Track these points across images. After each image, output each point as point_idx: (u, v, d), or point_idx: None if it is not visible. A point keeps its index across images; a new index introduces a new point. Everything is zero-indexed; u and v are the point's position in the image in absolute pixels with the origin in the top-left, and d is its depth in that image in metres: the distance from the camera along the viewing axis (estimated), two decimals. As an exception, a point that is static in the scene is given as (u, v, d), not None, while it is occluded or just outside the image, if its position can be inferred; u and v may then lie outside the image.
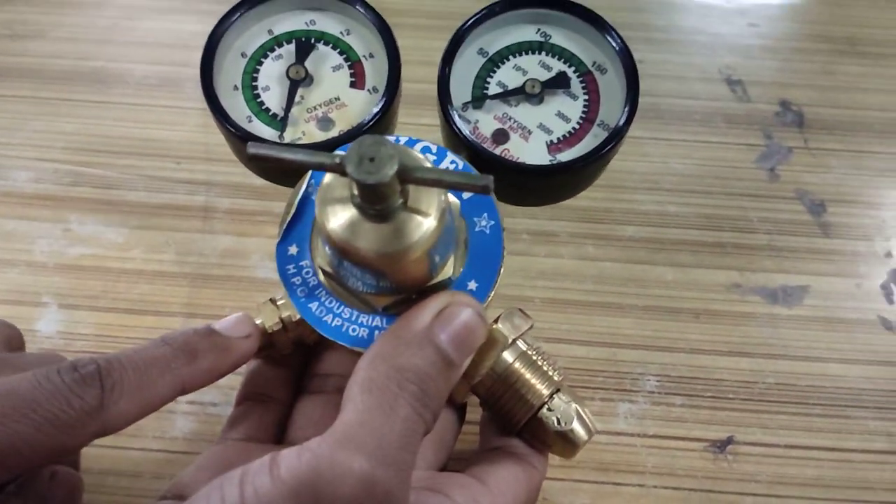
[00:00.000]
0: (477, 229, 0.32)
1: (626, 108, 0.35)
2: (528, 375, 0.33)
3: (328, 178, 0.28)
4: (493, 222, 0.32)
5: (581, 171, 0.35)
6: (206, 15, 0.65)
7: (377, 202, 0.27)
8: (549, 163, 0.35)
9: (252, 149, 0.26)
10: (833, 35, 0.64)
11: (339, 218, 0.27)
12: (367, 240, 0.27)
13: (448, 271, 0.31)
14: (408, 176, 0.26)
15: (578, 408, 0.34)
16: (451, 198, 0.32)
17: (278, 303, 0.35)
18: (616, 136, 0.35)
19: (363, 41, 0.37)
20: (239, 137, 0.35)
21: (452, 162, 0.33)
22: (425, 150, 0.33)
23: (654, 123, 0.57)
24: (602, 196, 0.53)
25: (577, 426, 0.33)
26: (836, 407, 0.44)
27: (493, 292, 0.31)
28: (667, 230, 0.51)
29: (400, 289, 0.30)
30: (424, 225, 0.27)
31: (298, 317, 0.32)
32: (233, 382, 0.44)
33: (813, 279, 0.49)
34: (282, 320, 0.35)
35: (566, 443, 0.33)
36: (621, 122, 0.35)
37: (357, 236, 0.27)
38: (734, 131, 0.57)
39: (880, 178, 0.54)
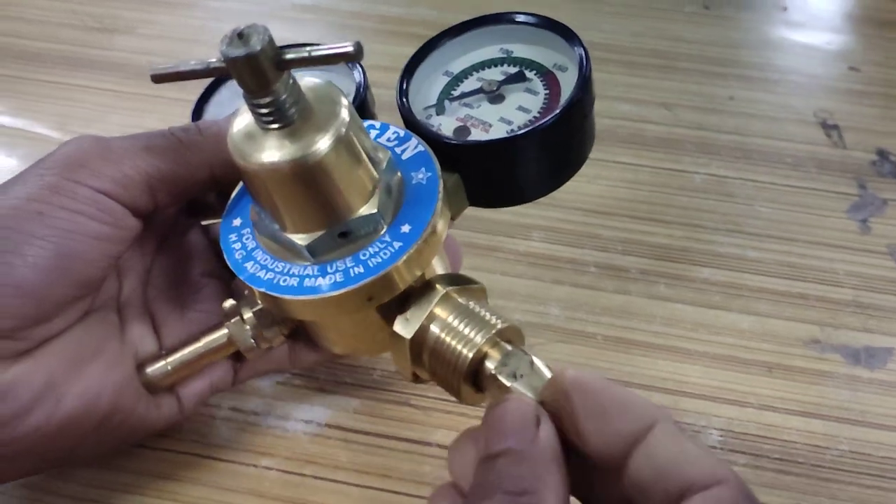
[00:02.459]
0: (414, 182, 0.33)
1: (578, 81, 0.35)
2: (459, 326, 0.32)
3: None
4: (430, 174, 0.33)
5: (542, 145, 0.35)
6: (290, 22, 0.65)
7: (259, 92, 0.28)
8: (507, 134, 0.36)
9: (153, 71, 0.30)
10: (942, 85, 0.61)
11: (241, 134, 0.30)
12: (264, 150, 0.29)
13: (371, 208, 0.31)
14: (277, 56, 0.28)
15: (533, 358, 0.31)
16: (384, 149, 0.33)
17: (245, 316, 0.36)
18: (572, 102, 0.35)
19: None
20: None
21: (395, 132, 0.35)
22: (370, 127, 0.35)
23: (742, 163, 0.55)
24: (680, 234, 0.51)
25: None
26: (915, 483, 0.40)
27: (427, 233, 0.31)
28: (746, 276, 0.48)
29: (316, 219, 0.31)
30: (319, 136, 0.29)
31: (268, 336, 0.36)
32: (278, 392, 0.43)
33: (900, 342, 0.45)
34: (254, 339, 0.36)
35: None
36: (574, 92, 0.35)
37: (255, 145, 0.29)
38: (826, 178, 0.54)
39: (983, 240, 0.50)
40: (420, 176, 0.33)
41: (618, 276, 0.49)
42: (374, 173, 0.31)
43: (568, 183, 0.53)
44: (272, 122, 0.29)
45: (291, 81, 0.29)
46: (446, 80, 0.39)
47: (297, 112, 0.29)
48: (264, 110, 0.29)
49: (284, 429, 0.42)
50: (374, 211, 0.31)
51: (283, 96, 0.29)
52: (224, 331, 0.37)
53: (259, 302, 0.35)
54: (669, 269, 0.49)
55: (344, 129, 0.29)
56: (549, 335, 0.46)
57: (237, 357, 0.38)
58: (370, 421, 0.42)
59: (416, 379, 0.34)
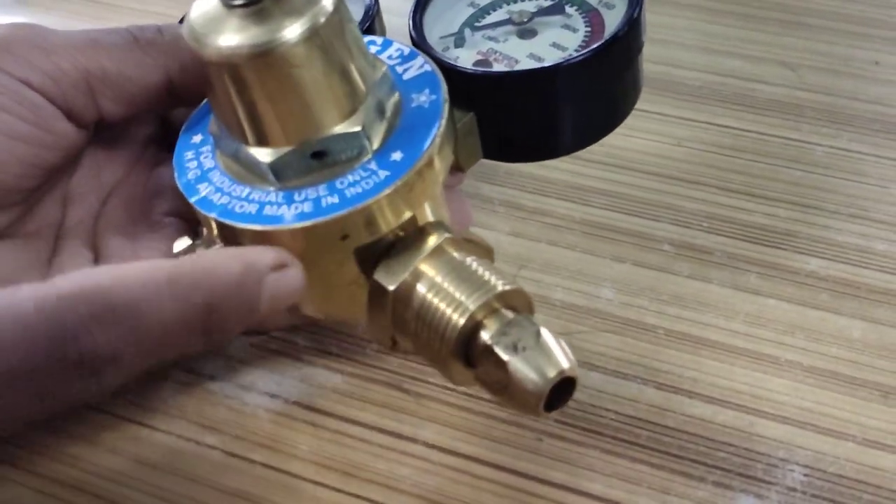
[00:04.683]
0: (414, 105, 0.28)
1: (626, 16, 0.30)
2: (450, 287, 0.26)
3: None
4: (434, 97, 0.28)
5: (573, 84, 0.30)
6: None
7: None
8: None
9: None
10: None
11: (201, 15, 0.26)
12: (223, 32, 0.25)
13: (354, 126, 0.26)
14: None
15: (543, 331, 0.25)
16: (381, 62, 0.28)
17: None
18: (615, 38, 0.30)
19: None
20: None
21: (398, 49, 0.30)
22: (370, 42, 0.30)
23: (880, 137, 0.43)
24: (785, 214, 0.40)
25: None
26: None
27: (421, 163, 0.26)
28: (867, 273, 0.37)
29: (283, 132, 0.26)
30: (289, 22, 0.24)
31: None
32: (247, 356, 0.35)
33: None
34: None
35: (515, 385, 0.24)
36: (620, 25, 0.30)
37: (213, 27, 0.25)
38: None
39: None
40: (422, 98, 0.28)
41: (697, 258, 0.38)
42: (362, 85, 0.27)
43: (648, 143, 0.44)
44: (241, 7, 0.25)
45: None
46: (471, 11, 0.34)
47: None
48: None
49: (243, 401, 0.34)
50: (358, 129, 0.26)
51: None
52: None
53: (217, 240, 0.28)
54: (766, 256, 0.38)
55: (323, 19, 0.25)
56: (595, 322, 0.36)
57: None
58: (349, 403, 0.33)
59: (395, 345, 0.28)
